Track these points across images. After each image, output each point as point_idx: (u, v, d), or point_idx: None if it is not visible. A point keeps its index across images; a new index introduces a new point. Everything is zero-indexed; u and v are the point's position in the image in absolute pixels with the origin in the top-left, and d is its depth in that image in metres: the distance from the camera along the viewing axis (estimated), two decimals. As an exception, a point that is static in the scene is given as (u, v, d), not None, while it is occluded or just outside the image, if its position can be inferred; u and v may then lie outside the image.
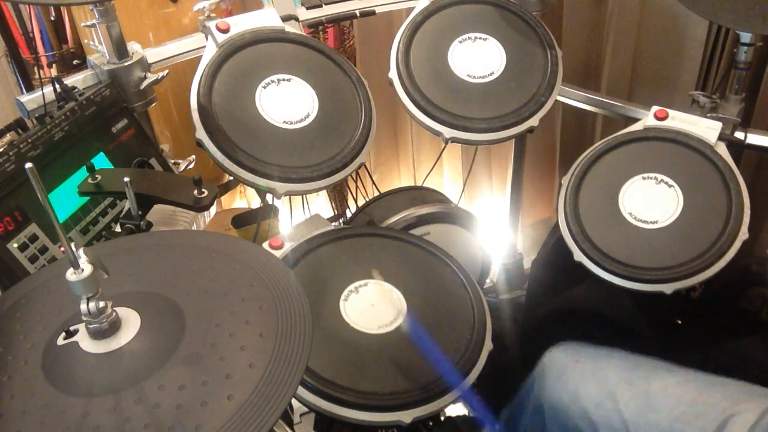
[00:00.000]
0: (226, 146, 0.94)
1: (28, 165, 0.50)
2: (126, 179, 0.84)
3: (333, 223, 1.06)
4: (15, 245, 0.87)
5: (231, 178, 0.97)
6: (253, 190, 1.83)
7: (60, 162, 0.95)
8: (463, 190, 1.67)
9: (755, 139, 1.14)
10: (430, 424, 0.89)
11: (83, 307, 0.56)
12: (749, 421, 0.80)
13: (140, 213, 0.88)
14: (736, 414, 0.81)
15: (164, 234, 0.90)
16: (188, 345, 0.58)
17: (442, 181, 1.98)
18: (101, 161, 1.01)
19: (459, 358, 0.85)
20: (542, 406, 0.97)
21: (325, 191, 1.62)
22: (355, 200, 1.50)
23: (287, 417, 0.90)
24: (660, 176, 1.04)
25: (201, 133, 0.95)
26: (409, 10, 1.19)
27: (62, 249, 0.90)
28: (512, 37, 1.17)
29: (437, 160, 1.71)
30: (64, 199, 0.95)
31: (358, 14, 1.28)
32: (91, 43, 1.11)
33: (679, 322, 1.22)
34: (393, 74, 1.12)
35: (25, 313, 0.64)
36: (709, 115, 1.11)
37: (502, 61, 1.15)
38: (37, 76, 1.45)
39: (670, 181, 1.04)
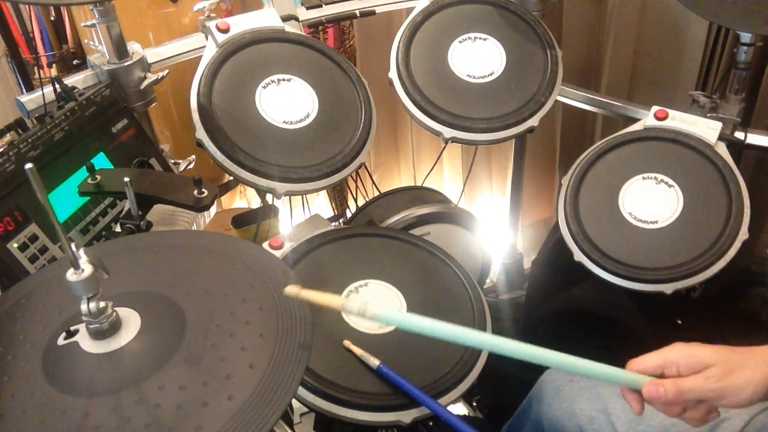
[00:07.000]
0: (226, 146, 0.94)
1: (28, 165, 0.50)
2: (126, 179, 0.84)
3: (333, 223, 1.06)
4: (15, 245, 0.87)
5: (231, 178, 0.97)
6: (253, 190, 1.83)
7: (60, 162, 0.95)
8: (463, 190, 1.67)
9: (755, 139, 1.14)
10: (430, 424, 0.89)
11: (83, 307, 0.56)
12: (737, 427, 0.81)
13: (140, 213, 0.88)
14: (725, 420, 0.82)
15: (164, 234, 0.90)
16: (189, 345, 0.58)
17: (442, 181, 1.98)
18: (101, 161, 1.01)
19: (459, 358, 0.85)
20: (541, 422, 0.98)
21: (325, 191, 1.63)
22: (355, 200, 1.50)
23: (287, 417, 0.90)
24: (660, 176, 1.04)
25: (201, 133, 0.95)
26: (409, 10, 1.19)
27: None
28: (512, 37, 1.17)
29: (437, 160, 1.71)
30: (64, 199, 0.95)
31: (358, 14, 1.28)
32: (91, 43, 1.11)
33: (679, 322, 1.22)
34: (393, 74, 1.12)
35: (25, 313, 0.64)
36: (709, 115, 1.11)
37: (502, 61, 1.15)
38: (37, 76, 1.45)
39: (670, 181, 1.04)
